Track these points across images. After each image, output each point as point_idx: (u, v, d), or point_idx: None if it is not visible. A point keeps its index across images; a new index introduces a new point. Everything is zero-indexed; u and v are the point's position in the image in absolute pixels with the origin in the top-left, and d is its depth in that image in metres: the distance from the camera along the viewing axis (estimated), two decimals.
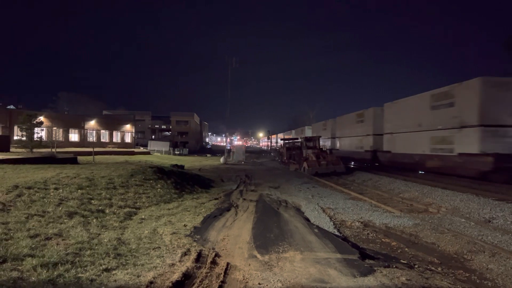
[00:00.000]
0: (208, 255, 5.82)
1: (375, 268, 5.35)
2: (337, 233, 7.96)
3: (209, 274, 5.03)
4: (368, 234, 8.30)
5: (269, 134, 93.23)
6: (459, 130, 17.35)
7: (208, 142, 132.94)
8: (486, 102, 15.93)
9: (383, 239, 7.84)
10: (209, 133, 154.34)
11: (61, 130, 41.85)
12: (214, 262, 5.53)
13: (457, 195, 11.94)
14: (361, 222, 9.36)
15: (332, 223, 8.93)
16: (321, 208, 11.16)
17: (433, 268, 5.89)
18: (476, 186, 13.91)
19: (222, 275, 4.98)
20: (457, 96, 17.70)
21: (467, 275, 5.70)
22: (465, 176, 16.92)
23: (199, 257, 5.63)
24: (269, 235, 7.35)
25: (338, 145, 36.79)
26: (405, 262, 6.10)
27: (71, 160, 19.87)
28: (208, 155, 57.44)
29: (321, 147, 27.95)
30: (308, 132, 51.23)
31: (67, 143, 41.42)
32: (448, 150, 18.11)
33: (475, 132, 16.25)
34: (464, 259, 6.52)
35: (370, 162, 28.20)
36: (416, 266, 5.90)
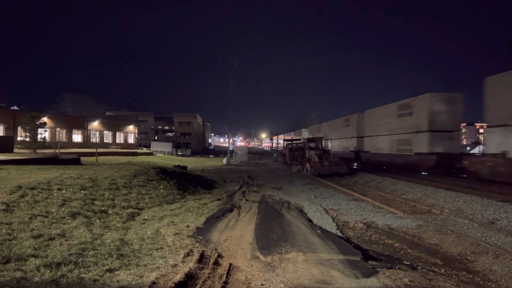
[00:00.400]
0: (210, 256, 5.82)
1: (378, 270, 5.34)
2: (339, 234, 7.95)
3: (211, 275, 5.03)
4: (371, 235, 8.29)
5: (271, 135, 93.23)
6: (416, 135, 21.52)
7: (210, 143, 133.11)
8: (434, 112, 20.24)
9: (386, 240, 7.82)
10: (212, 134, 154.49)
11: (64, 131, 41.98)
12: (216, 263, 5.53)
13: (460, 196, 11.90)
14: (364, 223, 9.35)
15: (334, 224, 8.92)
16: (324, 209, 11.14)
17: (436, 269, 5.87)
18: (479, 187, 13.85)
19: (224, 276, 4.98)
20: (415, 107, 21.96)
21: (471, 276, 5.68)
22: (420, 170, 21.06)
23: (201, 258, 5.63)
24: (271, 236, 7.35)
25: (330, 146, 39.69)
26: (408, 263, 6.08)
27: (74, 161, 19.95)
28: (211, 156, 57.54)
29: (323, 148, 27.93)
30: (305, 134, 52.64)
31: (70, 144, 41.53)
32: (409, 150, 22.21)
33: (426, 136, 20.43)
34: (467, 260, 6.50)
35: (354, 160, 31.16)
36: (419, 267, 5.89)
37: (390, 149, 24.76)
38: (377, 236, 8.21)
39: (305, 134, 52.73)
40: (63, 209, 7.91)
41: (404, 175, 19.49)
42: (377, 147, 27.14)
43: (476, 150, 48.62)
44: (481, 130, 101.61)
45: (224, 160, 35.98)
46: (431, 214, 10.66)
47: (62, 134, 41.33)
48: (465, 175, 17.58)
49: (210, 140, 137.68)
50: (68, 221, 7.25)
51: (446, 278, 5.40)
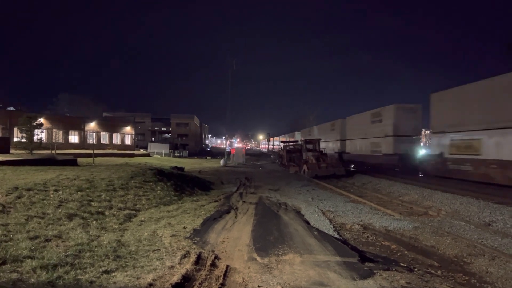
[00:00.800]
0: (207, 258, 5.81)
1: (375, 271, 5.35)
2: (337, 236, 7.96)
3: (208, 276, 5.03)
4: (368, 237, 8.30)
5: (269, 137, 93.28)
6: (384, 138, 26.41)
7: (208, 144, 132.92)
8: (397, 120, 25.10)
9: (382, 242, 7.83)
10: (209, 135, 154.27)
11: (61, 132, 41.83)
12: (213, 265, 5.52)
13: (457, 198, 11.93)
14: (361, 225, 9.36)
15: (332, 226, 8.93)
16: (321, 210, 11.15)
17: (432, 271, 5.89)
18: (476, 189, 13.89)
19: (221, 278, 4.98)
20: (383, 115, 26.78)
21: (467, 278, 5.70)
22: (386, 168, 24.98)
23: (198, 260, 5.63)
24: (268, 237, 7.35)
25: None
26: (405, 265, 6.09)
27: (71, 162, 19.88)
28: (208, 157, 57.48)
29: (321, 149, 28.00)
30: (298, 137, 53.42)
31: (67, 145, 41.38)
32: (379, 151, 27.13)
33: (391, 139, 25.39)
34: (464, 262, 6.52)
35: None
36: (416, 269, 5.89)
37: (366, 151, 29.63)
38: (374, 238, 8.22)
39: (298, 137, 54.08)
40: (60, 210, 7.88)
41: (401, 177, 19.53)
42: (356, 149, 32.02)
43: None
44: None
45: (222, 162, 35.95)
46: (427, 216, 10.69)
47: (58, 135, 41.16)
48: (420, 173, 21.73)
49: (207, 142, 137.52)
50: (65, 222, 7.23)
51: (443, 280, 5.42)
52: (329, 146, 39.40)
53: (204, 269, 5.26)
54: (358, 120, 31.92)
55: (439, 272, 5.89)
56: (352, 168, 28.35)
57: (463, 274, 5.88)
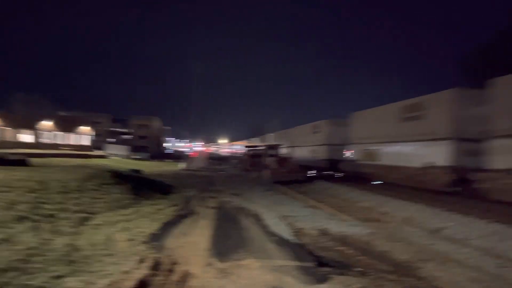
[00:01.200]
0: (165, 263, 5.73)
1: (330, 276, 5.48)
2: (295, 240, 8.07)
3: (165, 281, 4.96)
4: (325, 242, 8.46)
5: (232, 141, 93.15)
6: (320, 146, 31.97)
7: (169, 147, 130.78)
8: (329, 133, 30.67)
9: (339, 247, 8.01)
10: (171, 138, 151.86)
11: (12, 130, 39.81)
12: (171, 270, 5.46)
13: (411, 205, 12.43)
14: (319, 230, 9.53)
15: (291, 231, 9.03)
16: (281, 215, 11.25)
17: (386, 275, 6.09)
18: (429, 197, 14.54)
19: (179, 283, 4.92)
20: (320, 128, 32.29)
21: (418, 282, 5.94)
22: (320, 170, 28.19)
23: (155, 264, 5.54)
24: (228, 242, 7.34)
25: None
26: (359, 269, 6.27)
27: (23, 162, 18.92)
28: (169, 160, 56.52)
29: (283, 155, 28.34)
30: (262, 141, 54.55)
31: (19, 144, 39.37)
32: (318, 157, 32.29)
33: (325, 147, 30.99)
34: (415, 267, 6.79)
35: None
36: (370, 273, 6.08)
37: (309, 156, 34.59)
38: (331, 243, 8.39)
39: (262, 141, 55.67)
40: (9, 212, 7.49)
41: (359, 184, 20.11)
42: (302, 155, 36.59)
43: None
44: None
45: (183, 165, 35.51)
46: (383, 222, 11.05)
47: (9, 134, 39.17)
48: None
49: (169, 144, 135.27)
50: (15, 225, 6.87)
51: (395, 284, 5.63)
52: (285, 151, 41.57)
53: (161, 274, 5.19)
54: (302, 131, 38.25)
55: (391, 276, 6.10)
56: (314, 174, 28.97)
57: (414, 278, 6.12)
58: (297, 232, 9.32)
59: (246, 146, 38.82)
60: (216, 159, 54.50)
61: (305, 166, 30.96)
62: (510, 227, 8.79)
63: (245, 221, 9.60)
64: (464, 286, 5.84)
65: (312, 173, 26.43)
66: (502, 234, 8.44)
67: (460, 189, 15.83)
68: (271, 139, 46.56)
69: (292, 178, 22.99)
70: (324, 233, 9.34)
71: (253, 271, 5.60)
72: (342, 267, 6.28)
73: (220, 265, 5.89)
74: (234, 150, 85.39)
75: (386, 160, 21.27)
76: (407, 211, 11.91)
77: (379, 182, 21.11)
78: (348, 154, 30.54)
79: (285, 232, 8.79)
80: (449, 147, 16.47)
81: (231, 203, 13.19)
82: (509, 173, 12.97)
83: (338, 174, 27.17)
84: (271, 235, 8.17)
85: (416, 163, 18.56)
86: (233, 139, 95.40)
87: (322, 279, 5.30)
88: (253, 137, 75.44)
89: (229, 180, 24.63)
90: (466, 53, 42.06)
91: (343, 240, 8.70)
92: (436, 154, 17.24)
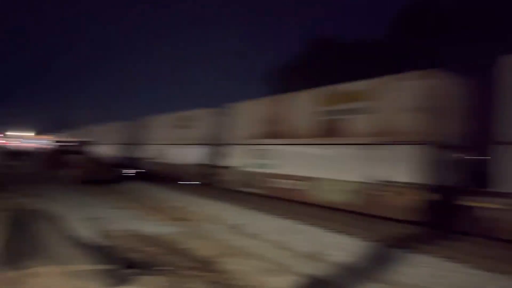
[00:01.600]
0: None
1: (138, 276, 5.53)
2: (103, 243, 7.78)
3: None
4: (134, 243, 8.37)
5: (40, 134, 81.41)
6: (122, 146, 34.39)
7: None
8: (129, 133, 33.21)
9: (148, 248, 8.04)
10: None
11: None
12: None
13: (217, 204, 13.46)
14: (128, 231, 9.37)
15: (98, 233, 8.65)
16: (88, 217, 10.59)
17: (191, 272, 6.45)
18: (234, 197, 15.95)
19: None
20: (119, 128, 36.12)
21: (221, 276, 6.47)
22: (132, 167, 28.40)
23: None
24: (23, 249, 6.57)
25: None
26: (166, 268, 6.47)
27: None
28: None
29: (94, 152, 26.61)
30: (77, 136, 50.20)
31: None
32: (126, 155, 32.86)
33: (124, 146, 33.87)
34: (218, 261, 7.37)
35: None
36: (177, 271, 6.35)
37: (119, 154, 34.72)
38: (140, 243, 8.35)
39: (68, 136, 51.20)
40: None
41: (172, 184, 20.54)
42: (105, 152, 36.05)
43: None
44: None
45: None
46: (191, 220, 11.56)
47: None
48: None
49: None
50: None
51: (200, 279, 6.04)
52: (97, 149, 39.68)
53: None
54: (111, 128, 39.56)
55: (196, 272, 6.50)
56: (129, 173, 28.10)
57: (218, 272, 6.64)
58: (106, 234, 8.96)
59: (56, 141, 34.77)
60: (14, 153, 47.09)
61: (118, 164, 29.78)
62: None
63: (46, 225, 8.72)
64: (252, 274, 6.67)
65: (126, 172, 25.56)
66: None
67: (208, 181, 20.52)
68: (82, 134, 42.84)
69: (103, 177, 21.70)
70: (133, 234, 9.23)
71: (51, 279, 5.17)
72: (149, 266, 6.37)
73: (12, 274, 5.24)
74: (40, 145, 75.20)
75: (170, 159, 24.88)
76: (214, 209, 12.83)
77: (187, 182, 22.31)
78: (147, 152, 30.66)
79: (92, 235, 8.37)
80: (205, 149, 21.36)
81: (29, 204, 11.72)
82: (227, 169, 18.73)
83: (140, 171, 26.91)
84: (76, 238, 7.66)
85: (189, 161, 22.46)
86: (42, 131, 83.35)
87: (129, 281, 5.30)
88: (63, 131, 68.04)
89: (29, 178, 21.87)
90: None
91: (152, 240, 8.77)
92: (198, 155, 21.79)
